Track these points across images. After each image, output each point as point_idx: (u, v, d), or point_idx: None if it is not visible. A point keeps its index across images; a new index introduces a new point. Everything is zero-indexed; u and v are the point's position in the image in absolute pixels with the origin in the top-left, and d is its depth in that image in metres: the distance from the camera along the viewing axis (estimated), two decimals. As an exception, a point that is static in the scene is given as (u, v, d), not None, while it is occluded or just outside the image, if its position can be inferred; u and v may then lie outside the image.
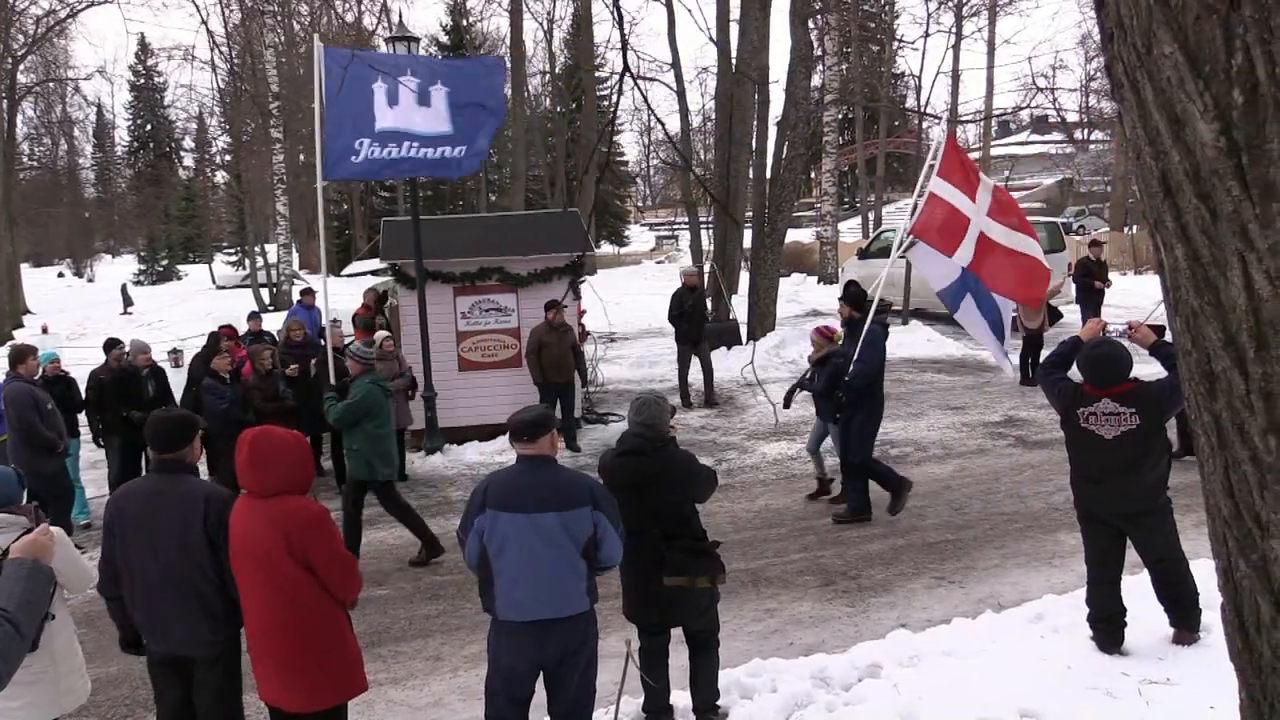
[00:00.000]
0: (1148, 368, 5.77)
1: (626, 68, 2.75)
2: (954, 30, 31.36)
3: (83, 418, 10.13)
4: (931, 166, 8.60)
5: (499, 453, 11.35)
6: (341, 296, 16.60)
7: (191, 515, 4.15)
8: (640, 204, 72.16)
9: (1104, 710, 4.85)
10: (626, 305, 23.23)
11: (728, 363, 15.47)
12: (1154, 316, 10.54)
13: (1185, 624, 5.50)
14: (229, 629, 4.26)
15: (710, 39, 19.63)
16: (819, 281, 28.52)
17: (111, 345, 10.34)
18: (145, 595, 4.24)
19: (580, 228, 13.30)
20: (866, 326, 8.46)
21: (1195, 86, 1.43)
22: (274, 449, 4.08)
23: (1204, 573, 5.17)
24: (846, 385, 8.44)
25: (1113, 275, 19.96)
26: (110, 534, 4.32)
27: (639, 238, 58.96)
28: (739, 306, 18.50)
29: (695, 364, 13.71)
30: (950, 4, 30.62)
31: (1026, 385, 13.58)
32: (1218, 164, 1.43)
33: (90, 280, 56.68)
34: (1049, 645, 5.64)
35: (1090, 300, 15.59)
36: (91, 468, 11.08)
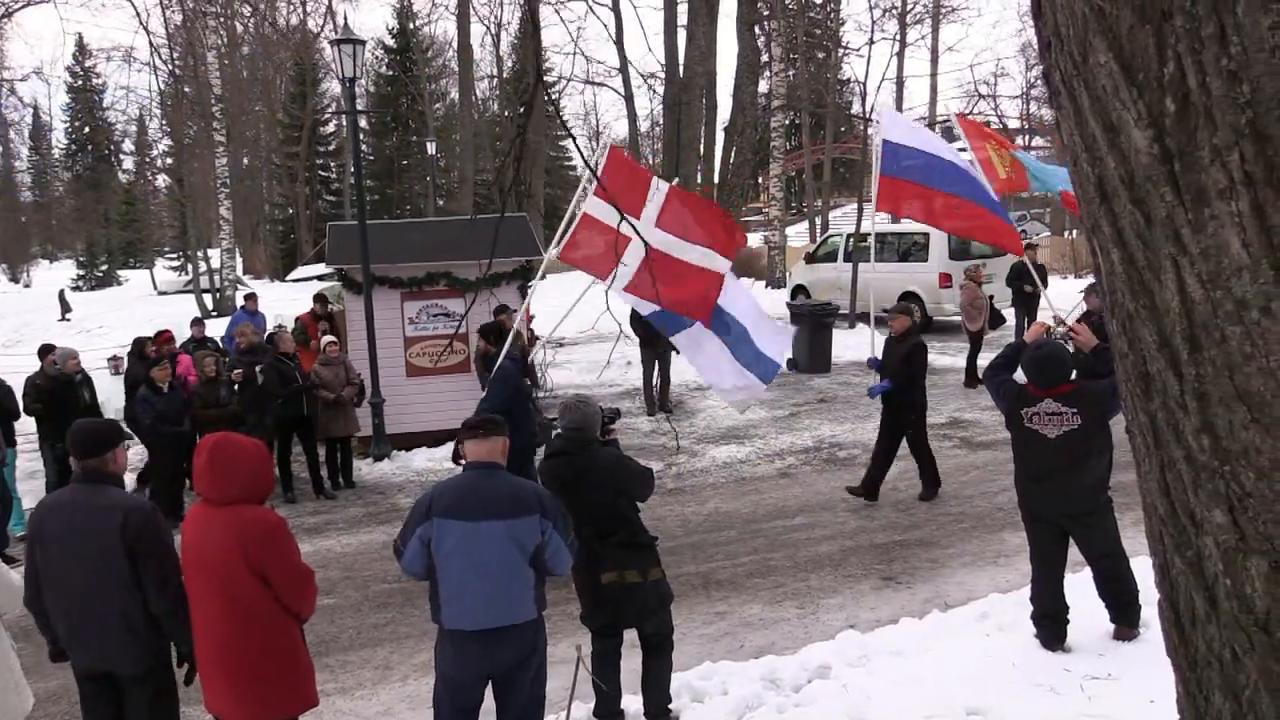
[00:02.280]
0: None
1: (540, 79, 2.73)
2: (898, 37, 31.77)
3: (19, 425, 9.90)
4: (585, 190, 8.16)
5: (448, 459, 11.25)
6: (286, 301, 16.36)
7: (109, 527, 4.01)
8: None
9: (1048, 706, 4.93)
10: (576, 310, 23.12)
11: (677, 367, 15.48)
12: (1073, 314, 10.83)
13: (1125, 620, 5.61)
14: (155, 644, 4.13)
15: (650, 50, 19.68)
16: (767, 286, 28.65)
17: (46, 351, 10.13)
18: (66, 609, 4.12)
19: (529, 232, 13.26)
20: (499, 362, 7.99)
21: (1130, 95, 1.46)
22: (234, 456, 3.98)
23: (1143, 570, 5.27)
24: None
25: (1053, 278, 20.35)
26: (32, 546, 4.20)
27: (588, 242, 58.82)
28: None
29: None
30: (894, 12, 31.02)
31: (970, 388, 13.83)
32: (1151, 170, 1.46)
33: (27, 286, 55.34)
34: (994, 643, 5.72)
35: (1024, 304, 15.86)
36: (29, 478, 10.83)
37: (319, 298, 13.86)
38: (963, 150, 9.09)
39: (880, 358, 9.36)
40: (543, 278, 9.17)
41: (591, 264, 8.03)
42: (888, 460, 9.16)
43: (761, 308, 8.54)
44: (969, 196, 9.33)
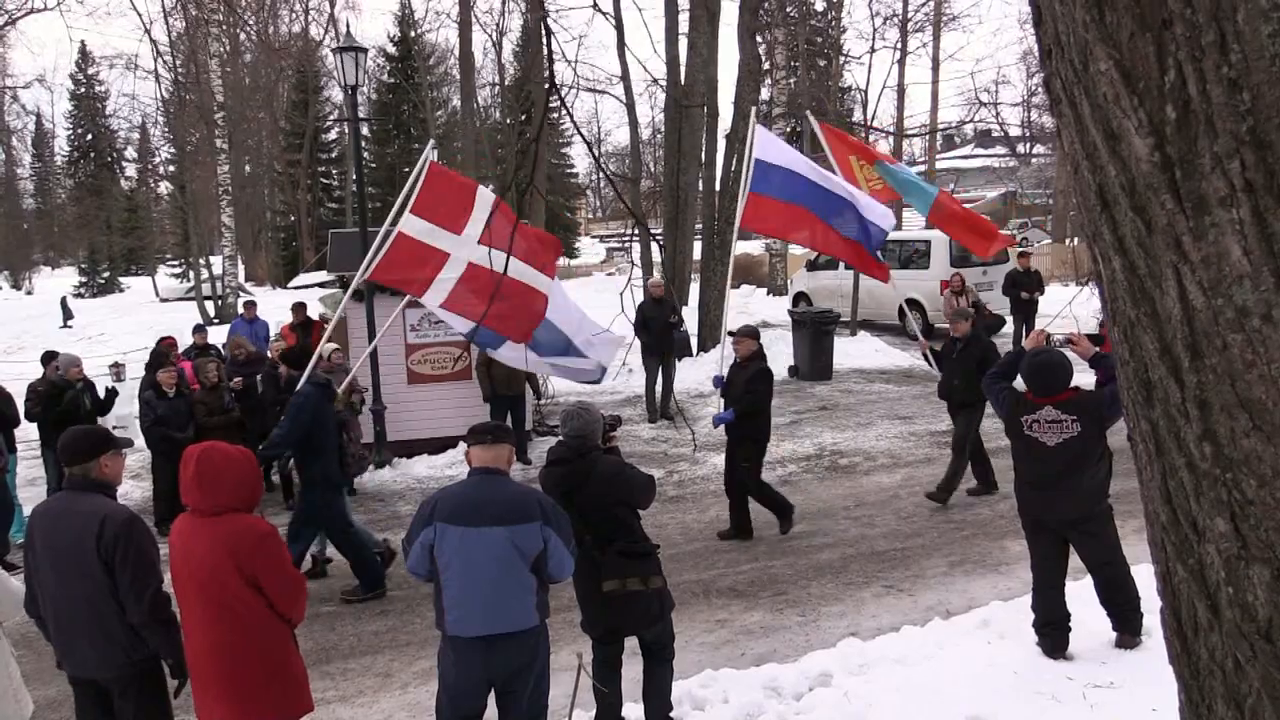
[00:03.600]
0: (1086, 377, 5.87)
1: (552, 84, 2.75)
2: (899, 46, 31.86)
3: (19, 432, 9.91)
4: (403, 206, 7.93)
5: (449, 466, 11.27)
6: (288, 309, 16.36)
7: (86, 534, 3.99)
8: (591, 215, 72.11)
9: (1050, 714, 4.92)
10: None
11: (678, 374, 15.48)
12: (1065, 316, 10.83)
13: (1127, 628, 5.60)
14: (138, 651, 4.09)
15: (655, 55, 19.70)
16: (768, 293, 28.67)
17: (49, 358, 10.14)
18: (54, 615, 4.12)
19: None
20: (299, 387, 7.81)
21: (1130, 102, 1.46)
22: (221, 465, 3.96)
23: (1145, 578, 5.26)
24: (261, 453, 7.57)
25: (1054, 286, 20.35)
26: (27, 553, 4.21)
27: (589, 250, 58.89)
28: (689, 318, 18.54)
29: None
30: (895, 20, 31.10)
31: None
32: (1152, 178, 1.46)
33: (29, 293, 55.36)
34: (996, 651, 5.71)
35: (1022, 311, 15.86)
36: (30, 485, 10.83)
37: (296, 307, 13.71)
38: (819, 154, 8.88)
39: (725, 380, 8.83)
40: (360, 299, 8.94)
41: (408, 283, 7.82)
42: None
43: (587, 322, 8.37)
44: (833, 222, 9.24)
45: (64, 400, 9.54)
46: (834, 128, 11.92)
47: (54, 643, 4.20)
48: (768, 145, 9.55)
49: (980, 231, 11.57)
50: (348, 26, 28.04)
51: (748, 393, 8.36)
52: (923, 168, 43.43)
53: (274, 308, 21.93)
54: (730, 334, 9.22)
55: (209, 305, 31.89)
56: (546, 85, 2.92)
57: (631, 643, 5.17)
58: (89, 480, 4.17)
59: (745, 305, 25.48)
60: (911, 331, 10.03)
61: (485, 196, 7.99)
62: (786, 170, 9.28)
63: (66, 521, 4.08)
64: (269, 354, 10.68)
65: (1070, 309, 10.59)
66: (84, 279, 54.99)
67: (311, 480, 7.63)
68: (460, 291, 7.67)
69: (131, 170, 53.21)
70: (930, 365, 9.58)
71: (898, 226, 14.47)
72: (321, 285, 31.19)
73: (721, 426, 8.65)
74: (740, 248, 25.09)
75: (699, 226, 20.19)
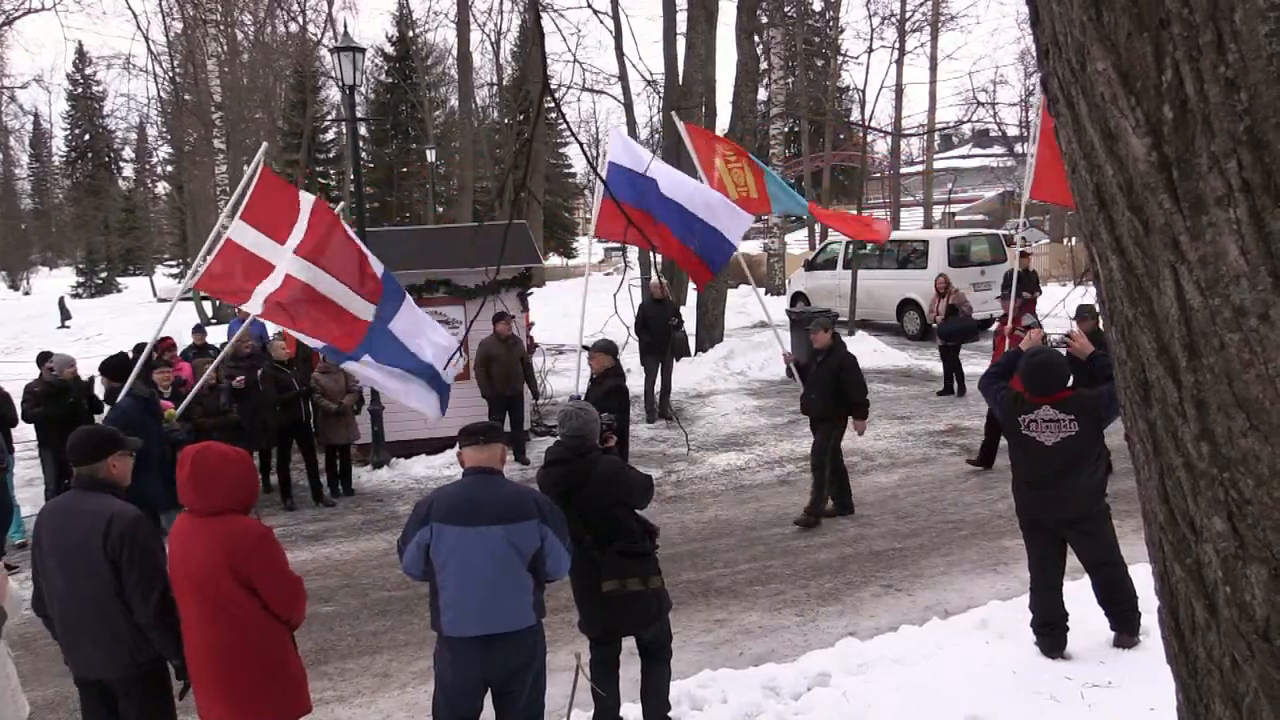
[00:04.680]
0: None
1: (546, 86, 2.74)
2: (897, 46, 31.89)
3: (16, 433, 9.90)
4: (233, 211, 7.72)
5: (447, 466, 11.26)
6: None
7: (93, 534, 3.99)
8: (589, 216, 72.11)
9: (1048, 714, 4.93)
10: (575, 317, 23.16)
11: (676, 375, 15.49)
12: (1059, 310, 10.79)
13: (1125, 628, 5.60)
14: (143, 653, 4.09)
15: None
16: (766, 293, 28.69)
17: (45, 358, 10.13)
18: (60, 615, 4.12)
19: (529, 240, 13.26)
20: (118, 400, 7.56)
21: (1127, 102, 1.46)
22: (217, 466, 3.95)
23: (1143, 577, 5.27)
24: None
25: (1051, 285, 20.37)
26: (34, 552, 4.22)
27: (587, 250, 58.88)
28: (688, 318, 18.55)
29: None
30: (893, 20, 31.14)
31: (945, 395, 13.98)
32: (1150, 178, 1.46)
33: (26, 293, 55.35)
34: (994, 651, 5.72)
35: (1020, 310, 15.87)
36: (28, 485, 10.82)
37: None
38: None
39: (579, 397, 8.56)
40: (245, 313, 8.62)
41: (233, 294, 7.57)
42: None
43: (434, 331, 8.32)
44: (677, 231, 8.92)
45: (68, 401, 9.53)
46: (702, 130, 11.52)
47: (60, 642, 4.20)
48: (621, 150, 9.20)
49: (862, 222, 11.57)
50: (345, 26, 28.02)
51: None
52: (920, 167, 43.52)
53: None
54: (584, 348, 8.99)
55: (207, 305, 31.86)
56: (542, 87, 2.92)
57: (629, 643, 5.17)
58: (96, 480, 4.18)
59: (744, 305, 25.50)
60: (786, 351, 9.83)
61: (306, 206, 7.78)
62: (640, 176, 8.88)
63: (74, 521, 4.08)
64: (270, 352, 10.65)
65: (1065, 306, 10.62)
66: (82, 279, 54.98)
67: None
68: (283, 303, 7.46)
69: (129, 170, 53.24)
70: (792, 377, 9.31)
71: (896, 228, 14.48)
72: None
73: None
74: (739, 247, 25.06)
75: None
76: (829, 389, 8.62)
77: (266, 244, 7.52)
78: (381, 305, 7.93)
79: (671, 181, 9.18)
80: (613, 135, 9.48)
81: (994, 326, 10.48)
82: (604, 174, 8.69)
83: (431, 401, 8.23)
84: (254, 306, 7.47)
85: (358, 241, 8.23)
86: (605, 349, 8.65)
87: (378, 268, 8.06)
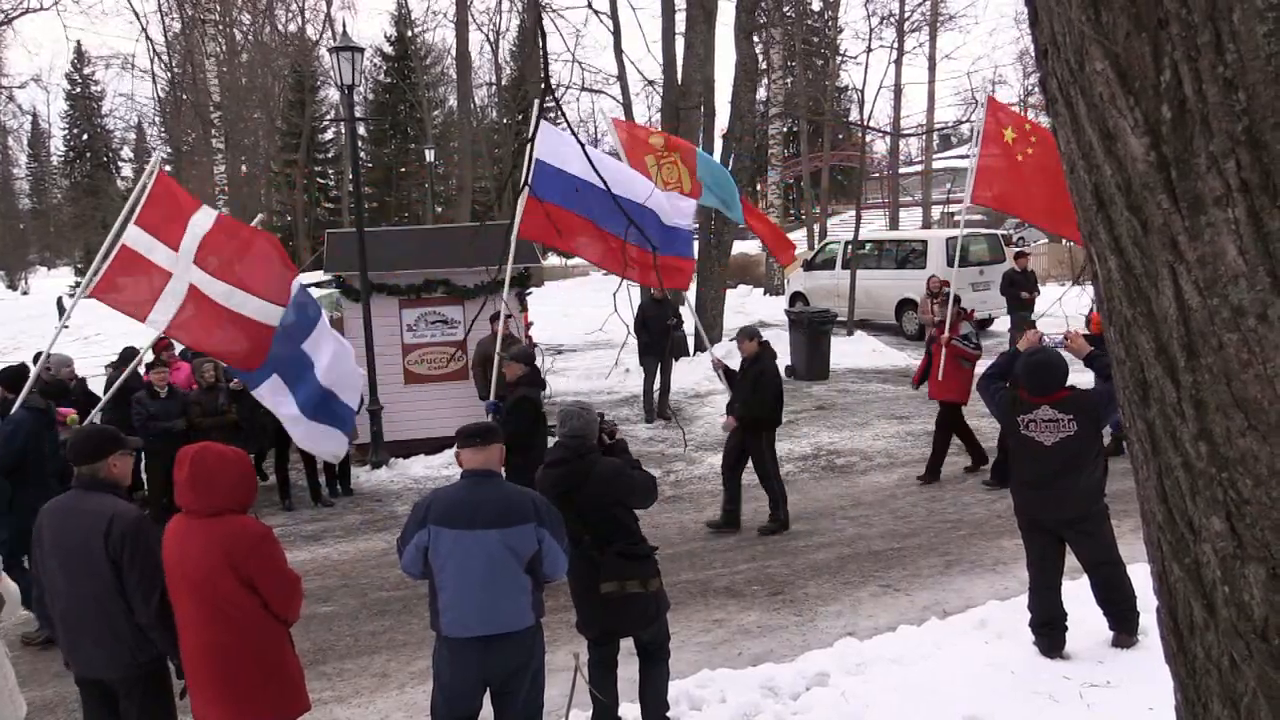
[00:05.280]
0: (1082, 377, 5.88)
1: (547, 84, 2.75)
2: (895, 46, 31.88)
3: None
4: (128, 217, 7.40)
5: (446, 466, 11.25)
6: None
7: (94, 534, 3.99)
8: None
9: (1047, 714, 4.93)
10: (574, 317, 23.19)
11: (675, 374, 15.49)
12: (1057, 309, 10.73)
13: (1124, 628, 5.61)
14: (144, 652, 4.10)
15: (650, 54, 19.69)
16: (765, 293, 28.71)
17: (40, 358, 10.10)
18: (61, 614, 4.12)
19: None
20: (12, 411, 7.25)
21: (1126, 102, 1.47)
22: (215, 466, 3.95)
23: (1141, 577, 5.27)
24: None
25: (1050, 285, 20.37)
26: (34, 551, 4.21)
27: (587, 249, 58.82)
28: (687, 318, 18.55)
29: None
30: (892, 20, 31.14)
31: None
32: (1148, 178, 1.47)
33: (25, 293, 55.28)
34: (993, 651, 5.72)
35: (1019, 311, 15.89)
36: (25, 485, 10.80)
37: None
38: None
39: (497, 404, 8.25)
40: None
41: (129, 305, 7.32)
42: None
43: (345, 357, 8.22)
44: (612, 228, 8.62)
45: (71, 400, 9.51)
46: (632, 125, 10.77)
47: (61, 642, 4.20)
48: (550, 145, 8.79)
49: (778, 238, 11.42)
50: (344, 26, 27.96)
51: (504, 423, 7.69)
52: (919, 167, 43.51)
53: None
54: (501, 354, 8.74)
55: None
56: (543, 87, 2.91)
57: (627, 643, 5.17)
58: (97, 480, 4.18)
59: (743, 305, 25.52)
60: (714, 358, 9.65)
61: (205, 214, 7.58)
62: (568, 174, 8.62)
63: (75, 520, 4.08)
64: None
65: (1060, 305, 10.59)
66: (80, 279, 54.92)
67: (22, 508, 6.76)
68: (185, 316, 7.28)
69: (128, 170, 53.12)
70: (722, 382, 9.19)
71: (894, 228, 14.42)
72: (318, 285, 31.16)
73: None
74: (737, 247, 25.10)
75: (696, 226, 20.18)
76: (750, 399, 8.65)
77: (160, 249, 7.27)
78: (296, 314, 7.83)
79: (604, 170, 9.00)
80: (541, 129, 8.89)
81: (929, 334, 10.20)
82: (530, 174, 8.42)
83: (336, 437, 8.21)
84: (158, 322, 7.26)
85: (278, 250, 8.06)
86: (520, 356, 8.34)
87: (294, 282, 7.95)
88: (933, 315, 14.21)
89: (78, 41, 54.33)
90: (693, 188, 10.10)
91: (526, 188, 8.23)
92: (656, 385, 13.54)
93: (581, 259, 10.47)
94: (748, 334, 8.94)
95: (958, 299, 10.65)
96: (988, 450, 10.12)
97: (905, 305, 19.50)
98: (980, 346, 10.37)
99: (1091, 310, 10.45)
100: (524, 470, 7.56)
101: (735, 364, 9.10)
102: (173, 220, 7.35)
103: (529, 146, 7.43)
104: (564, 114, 4.42)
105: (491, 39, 41.48)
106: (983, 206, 12.56)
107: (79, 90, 56.80)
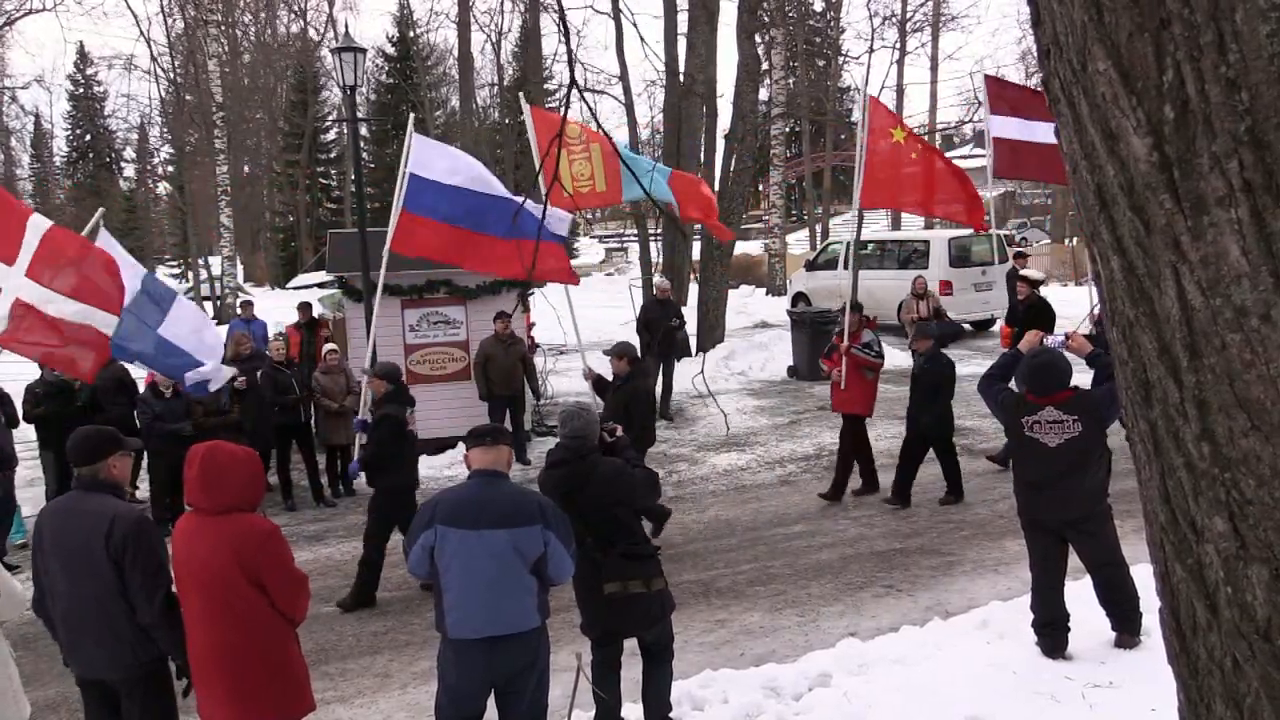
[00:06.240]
0: (1084, 378, 5.88)
1: (574, 81, 2.75)
2: (898, 46, 31.91)
3: (17, 433, 9.89)
4: None
5: (448, 466, 11.26)
6: (286, 309, 16.36)
7: (96, 534, 3.99)
8: (589, 216, 72.06)
9: (1049, 714, 4.92)
10: (576, 317, 23.15)
11: (678, 375, 15.49)
12: (1082, 325, 10.74)
13: (1126, 628, 5.60)
14: (145, 653, 4.10)
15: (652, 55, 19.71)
16: (768, 293, 28.70)
17: (45, 359, 10.12)
18: (62, 615, 4.12)
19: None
20: None
21: (1129, 102, 1.46)
22: (227, 465, 3.97)
23: (1144, 577, 5.26)
24: None
25: (1052, 286, 20.36)
26: (35, 552, 4.21)
27: (588, 250, 58.88)
28: (688, 318, 18.55)
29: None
30: (894, 20, 31.15)
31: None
32: (1151, 178, 1.46)
33: (26, 293, 55.30)
34: (995, 651, 5.71)
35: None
36: (29, 485, 10.81)
37: (301, 307, 13.67)
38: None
39: (368, 422, 8.04)
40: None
41: None
42: None
43: (204, 337, 8.17)
44: (491, 230, 8.52)
45: (76, 404, 9.53)
46: (549, 114, 10.32)
47: (62, 643, 4.20)
48: (423, 157, 8.74)
49: (706, 208, 10.74)
50: (346, 27, 28.02)
51: (375, 441, 7.75)
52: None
53: (272, 308, 21.91)
54: (365, 371, 8.60)
55: (208, 306, 31.87)
56: (569, 86, 2.91)
57: (630, 643, 5.17)
58: (98, 480, 4.18)
59: (745, 305, 25.51)
60: (586, 368, 9.23)
61: (38, 224, 7.41)
62: (441, 185, 8.57)
63: (76, 521, 4.08)
64: (268, 353, 10.68)
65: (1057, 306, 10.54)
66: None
67: None
68: (17, 327, 7.11)
69: (130, 171, 53.20)
70: (594, 396, 8.80)
71: (896, 228, 14.36)
72: (320, 285, 31.18)
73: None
74: (739, 248, 25.13)
75: (698, 227, 20.20)
76: (620, 419, 8.40)
77: None
78: (139, 312, 7.78)
79: (482, 182, 8.84)
80: (414, 142, 8.80)
81: (833, 340, 9.85)
82: (404, 184, 8.42)
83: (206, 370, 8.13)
84: None
85: (112, 255, 7.89)
86: (383, 372, 8.16)
87: (133, 282, 7.87)
88: (915, 315, 14.19)
89: (80, 42, 54.37)
90: (609, 188, 9.86)
91: (400, 204, 8.26)
92: (659, 386, 13.54)
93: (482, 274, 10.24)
94: (618, 352, 8.47)
95: (859, 306, 10.16)
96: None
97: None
98: (882, 355, 9.81)
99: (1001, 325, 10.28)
100: (392, 494, 7.59)
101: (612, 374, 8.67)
102: (4, 233, 7.18)
103: (403, 161, 7.29)
104: (564, 114, 4.39)
105: (494, 40, 41.52)
106: (872, 209, 12.21)
107: (81, 91, 56.86)
